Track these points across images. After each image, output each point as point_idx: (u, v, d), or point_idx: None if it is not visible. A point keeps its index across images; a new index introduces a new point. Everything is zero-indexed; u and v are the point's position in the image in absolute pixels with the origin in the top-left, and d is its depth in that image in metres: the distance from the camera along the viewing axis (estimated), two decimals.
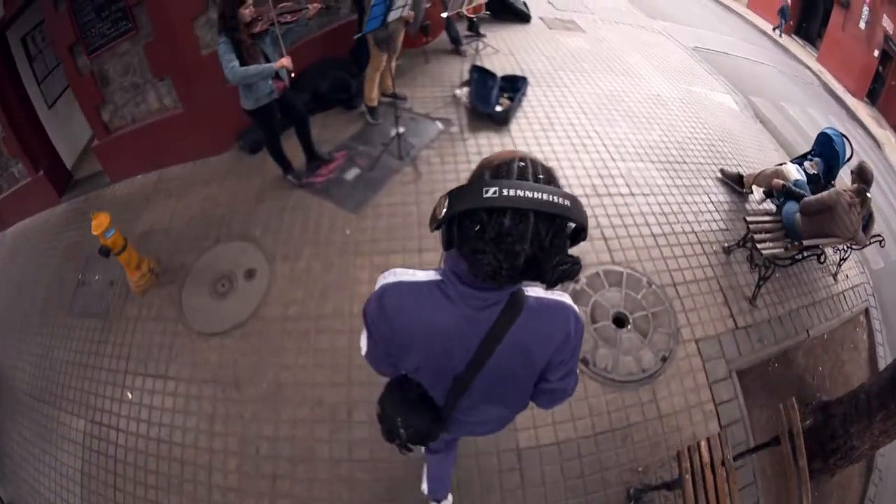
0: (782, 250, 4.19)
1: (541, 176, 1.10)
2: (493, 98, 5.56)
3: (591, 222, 4.15)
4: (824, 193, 4.05)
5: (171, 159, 5.42)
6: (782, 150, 7.06)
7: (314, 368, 3.68)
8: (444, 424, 1.68)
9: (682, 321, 4.04)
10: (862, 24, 13.47)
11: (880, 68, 13.15)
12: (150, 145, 5.41)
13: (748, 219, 4.43)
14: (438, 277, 1.35)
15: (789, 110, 9.12)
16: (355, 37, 4.62)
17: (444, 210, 1.12)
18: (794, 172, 4.75)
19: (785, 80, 10.68)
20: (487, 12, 7.50)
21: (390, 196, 4.70)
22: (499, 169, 1.11)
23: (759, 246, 4.19)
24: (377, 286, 1.43)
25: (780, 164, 5.07)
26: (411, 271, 1.40)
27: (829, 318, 4.60)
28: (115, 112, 5.22)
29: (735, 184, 5.34)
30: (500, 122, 5.41)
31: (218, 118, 5.06)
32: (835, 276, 4.92)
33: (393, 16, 4.30)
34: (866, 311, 5.05)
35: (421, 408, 1.63)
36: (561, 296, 1.41)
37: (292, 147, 4.81)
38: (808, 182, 4.72)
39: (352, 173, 4.96)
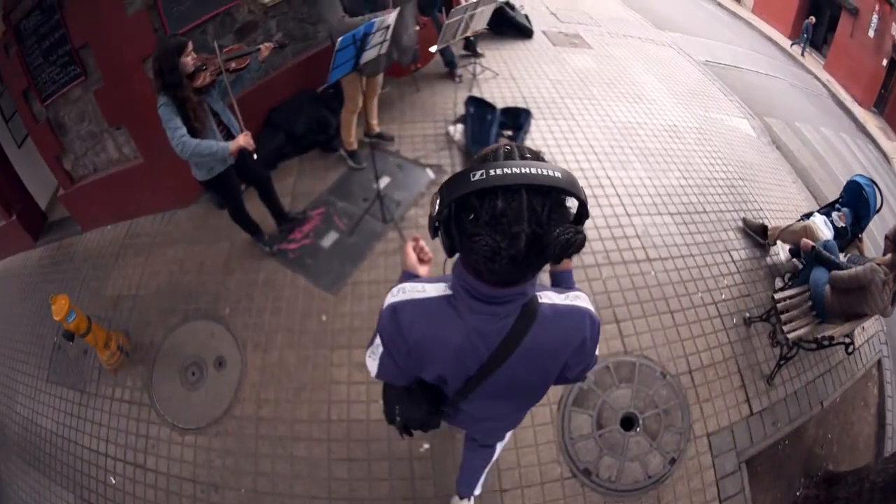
0: (808, 329, 3.65)
1: (528, 155, 1.07)
2: (492, 139, 4.79)
3: (602, 300, 3.89)
4: (859, 270, 3.53)
5: (136, 211, 4.83)
6: (800, 182, 6.38)
7: (292, 479, 3.30)
8: (442, 416, 1.69)
9: (695, 414, 3.57)
10: (871, 33, 12.72)
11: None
12: (114, 196, 4.80)
13: (776, 296, 3.82)
14: (448, 292, 1.31)
15: (804, 131, 8.43)
16: (320, 90, 3.94)
17: (437, 206, 1.09)
18: (823, 228, 4.25)
19: (796, 95, 9.94)
20: (486, 27, 6.70)
21: (372, 271, 4.01)
22: (485, 156, 1.09)
23: (784, 328, 3.62)
24: (385, 303, 1.39)
25: (807, 216, 4.54)
26: (420, 286, 1.36)
27: (844, 382, 4.15)
28: (77, 161, 4.62)
29: (758, 235, 4.71)
30: None
31: (181, 168, 4.19)
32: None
33: (368, 56, 3.53)
34: (879, 363, 4.53)
35: (420, 400, 1.62)
36: (576, 299, 1.37)
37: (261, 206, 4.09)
38: (836, 236, 4.26)
39: (329, 238, 4.24)
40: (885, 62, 12.46)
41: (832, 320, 3.71)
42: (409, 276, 1.61)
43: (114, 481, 3.59)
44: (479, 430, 2.00)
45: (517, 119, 5.07)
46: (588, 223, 3.75)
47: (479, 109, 5.04)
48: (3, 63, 4.34)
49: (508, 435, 2.20)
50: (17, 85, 4.41)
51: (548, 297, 1.32)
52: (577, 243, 1.02)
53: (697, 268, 4.34)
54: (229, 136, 3.36)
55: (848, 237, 4.43)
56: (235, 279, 4.07)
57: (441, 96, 5.36)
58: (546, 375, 1.45)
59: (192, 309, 4.00)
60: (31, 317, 4.68)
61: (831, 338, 3.68)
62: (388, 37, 3.58)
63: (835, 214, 4.48)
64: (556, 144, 5.01)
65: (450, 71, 5.72)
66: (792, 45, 12.93)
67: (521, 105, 5.37)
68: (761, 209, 5.24)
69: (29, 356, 4.45)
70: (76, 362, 4.10)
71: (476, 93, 5.46)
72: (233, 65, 3.27)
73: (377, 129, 4.84)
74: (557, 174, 1.01)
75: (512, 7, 6.75)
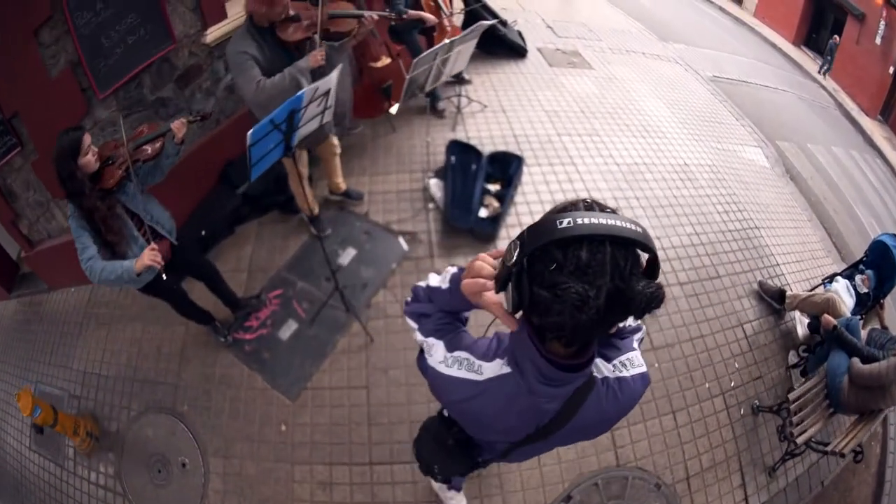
0: (819, 426, 3.30)
1: (608, 209, 0.95)
2: (476, 196, 3.91)
3: None
4: (882, 369, 3.14)
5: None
6: (815, 220, 5.66)
7: None
8: (483, 466, 1.65)
9: None
10: (878, 40, 11.84)
11: None
12: (70, 263, 4.02)
13: (790, 395, 3.30)
14: (507, 369, 1.15)
15: (816, 154, 7.62)
16: (239, 191, 3.22)
17: (517, 253, 0.94)
18: (846, 297, 3.81)
19: (805, 110, 9.09)
20: (486, 25, 5.76)
21: (334, 374, 3.35)
22: (565, 207, 0.96)
23: (795, 430, 3.23)
24: (433, 363, 1.25)
25: (830, 280, 4.08)
26: (476, 363, 1.19)
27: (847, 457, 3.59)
28: (32, 227, 4.13)
29: (775, 301, 4.10)
30: (486, 237, 3.79)
31: None
32: None
33: (304, 132, 2.72)
34: (885, 419, 4.00)
35: (459, 455, 1.56)
36: (626, 366, 1.25)
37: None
38: (857, 303, 3.90)
39: (288, 329, 3.55)
40: (892, 70, 11.61)
41: (846, 412, 3.42)
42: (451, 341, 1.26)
43: None
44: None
45: (507, 168, 4.20)
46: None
47: (462, 157, 4.18)
48: None
49: None
50: None
51: (598, 370, 1.21)
52: (660, 297, 0.92)
53: (707, 352, 3.75)
54: (155, 235, 2.74)
55: (869, 303, 4.00)
56: (192, 371, 3.54)
57: (420, 137, 4.46)
58: (591, 437, 1.38)
59: (152, 399, 3.52)
60: (11, 375, 4.23)
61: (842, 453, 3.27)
62: (331, 102, 2.75)
63: (858, 278, 4.02)
64: (549, 198, 4.15)
65: (431, 104, 4.84)
66: (819, 71, 11.90)
67: (512, 146, 4.52)
68: (777, 264, 4.57)
69: (9, 417, 4.00)
70: (54, 436, 3.63)
71: (461, 130, 4.60)
72: (147, 150, 2.60)
73: (343, 188, 3.99)
74: (639, 228, 0.91)
75: (504, 23, 5.82)
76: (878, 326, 3.97)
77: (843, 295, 3.85)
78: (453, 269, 1.23)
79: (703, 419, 3.45)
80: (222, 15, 3.78)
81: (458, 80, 5.14)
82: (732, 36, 10.76)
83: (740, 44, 10.54)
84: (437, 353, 1.24)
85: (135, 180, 2.54)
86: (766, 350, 3.92)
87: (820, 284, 4.22)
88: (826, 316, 3.54)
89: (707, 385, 3.59)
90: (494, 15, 5.75)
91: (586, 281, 0.88)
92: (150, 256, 2.38)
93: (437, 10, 4.69)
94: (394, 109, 3.84)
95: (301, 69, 2.82)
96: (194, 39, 3.69)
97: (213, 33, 3.75)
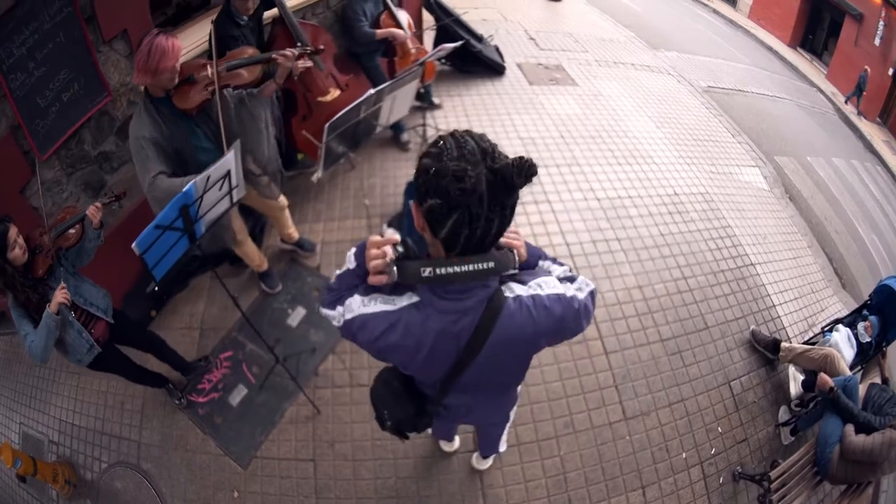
0: (803, 498, 2.95)
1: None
2: None
3: (556, 485, 2.84)
4: (875, 445, 2.82)
5: None
6: (816, 245, 5.04)
7: None
8: (430, 418, 1.59)
9: None
10: (877, 41, 10.96)
11: None
12: None
13: (773, 473, 2.91)
14: (416, 298, 1.20)
15: (816, 167, 6.89)
16: (149, 289, 3.02)
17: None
18: (847, 350, 3.38)
19: (804, 118, 8.30)
20: (447, 64, 5.09)
21: (282, 445, 2.99)
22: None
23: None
24: (350, 314, 1.26)
25: (830, 328, 3.57)
26: (390, 297, 1.22)
27: None
28: None
29: (768, 351, 3.54)
30: None
31: None
32: None
33: (213, 215, 2.25)
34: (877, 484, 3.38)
35: (405, 401, 1.56)
36: (542, 286, 1.23)
37: None
38: (858, 352, 3.47)
39: (238, 394, 3.23)
40: (891, 72, 10.75)
41: (833, 483, 3.09)
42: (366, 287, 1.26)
43: None
44: (476, 419, 1.92)
45: None
46: (551, 372, 3.12)
47: None
48: None
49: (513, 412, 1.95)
50: None
51: (510, 290, 1.21)
52: (529, 163, 1.06)
53: (687, 417, 3.17)
54: (91, 319, 2.55)
55: (871, 352, 3.55)
56: (153, 430, 3.27)
57: (382, 175, 3.81)
58: (521, 360, 1.42)
59: (118, 453, 3.26)
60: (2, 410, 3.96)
61: None
62: (237, 181, 2.23)
63: (861, 326, 3.55)
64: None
65: (395, 136, 4.18)
66: (846, 101, 10.91)
67: None
68: (774, 305, 3.96)
69: None
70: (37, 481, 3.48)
71: None
72: (69, 237, 2.41)
73: (296, 237, 3.43)
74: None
75: (479, 39, 5.13)
76: (878, 379, 3.47)
77: (844, 347, 3.40)
78: (353, 250, 1.32)
79: (675, 492, 2.94)
80: None
81: (428, 104, 4.48)
82: (727, 40, 9.92)
83: (735, 48, 9.71)
84: (355, 302, 1.25)
85: (64, 265, 2.42)
86: (755, 408, 3.37)
87: (819, 333, 3.66)
88: (823, 375, 3.08)
89: (684, 455, 3.05)
90: (469, 30, 5.04)
91: (463, 162, 1.01)
92: (60, 296, 2.24)
93: (397, 28, 4.03)
94: (315, 178, 3.20)
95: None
96: (132, 87, 3.14)
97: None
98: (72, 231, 2.38)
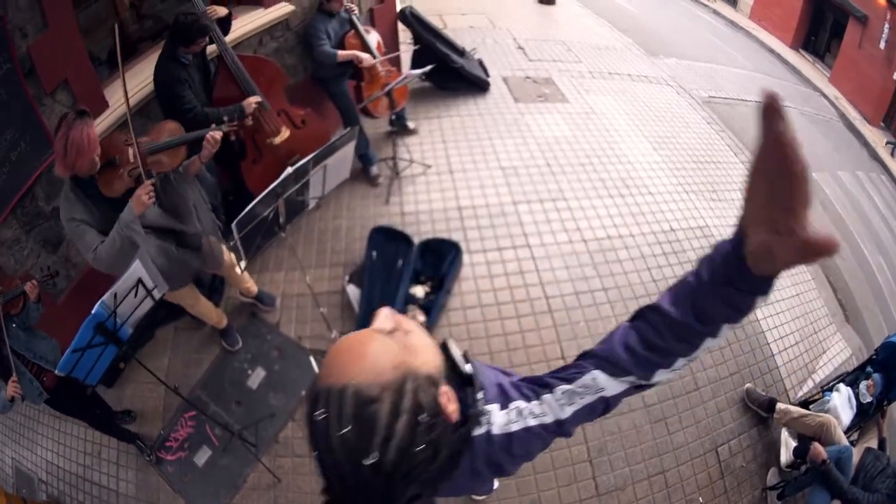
0: None
1: None
2: (398, 307, 2.75)
3: None
4: None
5: None
6: (821, 276, 4.46)
7: None
8: None
9: None
10: (881, 44, 10.12)
11: None
12: None
13: None
14: None
15: (821, 184, 6.26)
16: (88, 393, 2.67)
17: None
18: (846, 413, 3.07)
19: (808, 127, 7.59)
20: (426, 80, 4.43)
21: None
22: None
23: None
24: None
25: (830, 388, 3.19)
26: None
27: None
28: None
29: (762, 410, 3.11)
30: None
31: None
32: None
33: (139, 315, 2.12)
34: None
35: None
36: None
37: None
38: (857, 413, 3.16)
39: (202, 455, 2.97)
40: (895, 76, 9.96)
41: None
42: None
43: None
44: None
45: (440, 263, 2.96)
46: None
47: (386, 250, 2.96)
48: None
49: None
50: None
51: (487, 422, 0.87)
52: None
53: (666, 490, 2.71)
54: (41, 371, 2.49)
55: (871, 412, 3.22)
56: (128, 482, 2.98)
57: (348, 217, 3.26)
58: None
59: (100, 500, 2.99)
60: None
61: None
62: (154, 281, 2.05)
63: (863, 385, 3.21)
64: (492, 300, 2.94)
65: (363, 167, 3.59)
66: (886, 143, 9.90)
67: (455, 222, 3.28)
68: (773, 354, 3.45)
69: None
70: None
71: (395, 203, 3.37)
72: (14, 305, 2.37)
73: (254, 291, 3.03)
74: None
75: (462, 53, 4.48)
76: (875, 440, 3.12)
77: (843, 410, 3.09)
78: None
79: None
80: (103, 105, 2.86)
81: (402, 129, 3.88)
82: (727, 42, 9.12)
83: (736, 51, 8.92)
84: None
85: (17, 322, 2.36)
86: (742, 473, 2.92)
87: (819, 393, 3.24)
88: (816, 445, 2.75)
89: None
90: (450, 44, 4.40)
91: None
92: (11, 390, 2.20)
93: (365, 52, 3.44)
94: (238, 269, 2.71)
95: (128, 223, 2.02)
96: None
97: (98, 126, 2.71)
98: (14, 302, 2.33)
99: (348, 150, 2.47)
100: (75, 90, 2.72)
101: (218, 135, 2.16)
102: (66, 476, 3.16)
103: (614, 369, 0.83)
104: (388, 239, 3.07)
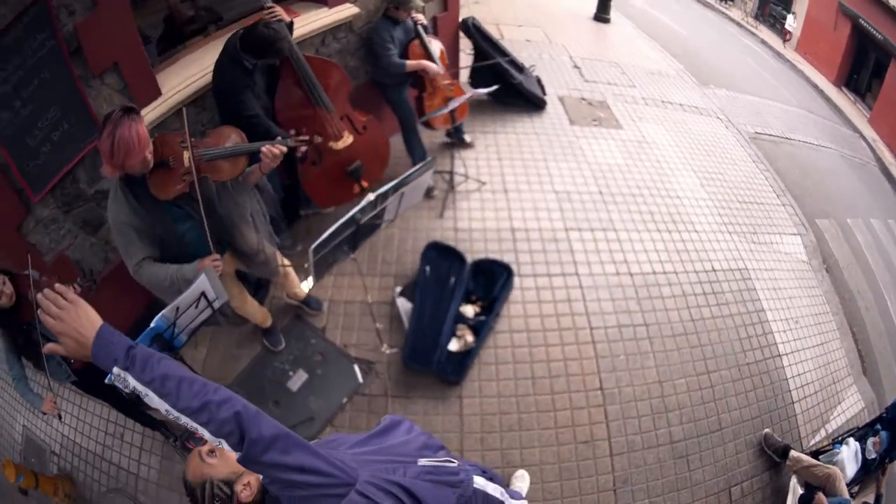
0: None
1: None
2: (448, 324, 2.67)
3: None
4: None
5: None
6: (846, 325, 4.28)
7: None
8: None
9: None
10: None
11: None
12: None
13: None
14: None
15: (854, 231, 6.03)
16: (106, 379, 2.18)
17: None
18: (851, 467, 3.01)
19: (847, 172, 7.28)
20: (484, 93, 4.32)
21: None
22: None
23: None
24: None
25: (840, 443, 3.10)
26: None
27: None
28: None
29: (776, 456, 3.07)
30: (449, 379, 2.63)
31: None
32: None
33: (194, 327, 1.93)
34: None
35: None
36: None
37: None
38: (861, 468, 3.09)
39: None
40: None
41: None
42: None
43: None
44: None
45: (492, 285, 2.91)
46: (551, 472, 2.75)
47: (440, 266, 2.91)
48: None
49: None
50: None
51: None
52: None
53: None
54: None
55: (873, 468, 3.14)
56: (150, 467, 2.90)
57: (401, 227, 3.17)
58: None
59: (118, 480, 2.92)
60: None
61: None
62: (217, 293, 1.85)
63: (870, 441, 3.13)
64: (539, 325, 2.89)
65: None
66: None
67: (507, 244, 3.21)
68: (793, 401, 3.37)
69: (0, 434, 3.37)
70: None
71: (449, 217, 3.30)
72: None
73: (302, 296, 2.92)
74: None
75: (521, 69, 4.35)
76: (872, 496, 3.13)
77: (849, 464, 3.06)
78: None
79: None
80: (155, 93, 2.66)
81: (459, 141, 3.79)
82: (774, 75, 8.77)
83: (782, 84, 8.59)
84: None
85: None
86: None
87: (829, 445, 3.19)
88: (820, 495, 2.78)
89: None
90: (510, 59, 4.27)
91: None
92: (48, 407, 2.24)
93: (428, 60, 3.33)
94: (306, 286, 2.62)
95: (188, 279, 1.86)
96: None
97: (148, 115, 2.59)
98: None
99: (426, 178, 2.40)
100: (126, 75, 2.54)
101: (279, 150, 1.99)
102: (82, 452, 3.07)
103: None
104: (441, 255, 3.01)
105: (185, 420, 0.98)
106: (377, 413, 2.64)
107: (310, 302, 2.97)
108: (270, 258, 2.35)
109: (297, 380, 2.86)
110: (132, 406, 2.66)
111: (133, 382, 0.97)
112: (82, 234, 2.75)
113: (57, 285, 1.07)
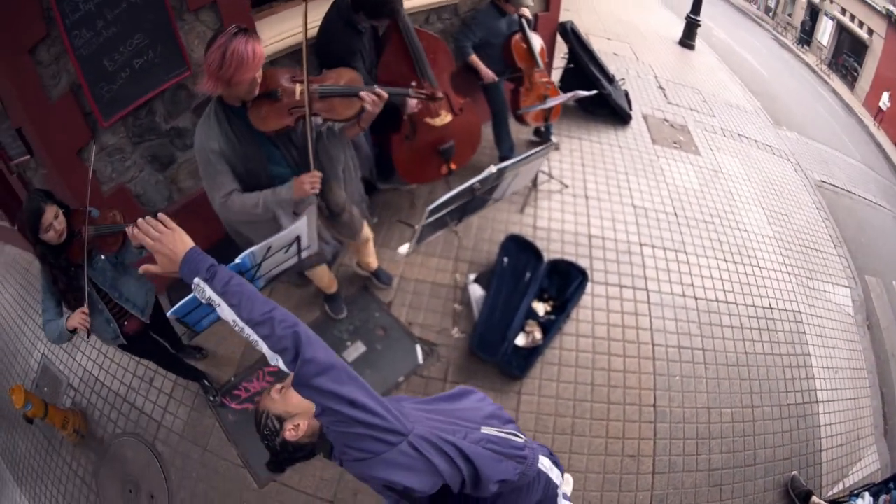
0: None
1: None
2: (519, 318, 2.60)
3: None
4: None
5: None
6: (877, 385, 4.01)
7: None
8: None
9: None
10: None
11: None
12: None
13: None
14: None
15: None
16: (185, 340, 2.39)
17: None
18: None
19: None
20: (582, 95, 4.17)
21: (305, 476, 2.42)
22: None
23: None
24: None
25: (857, 496, 2.96)
26: None
27: None
28: None
29: (799, 500, 2.90)
30: (512, 373, 2.53)
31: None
32: None
33: (276, 273, 1.75)
34: None
35: None
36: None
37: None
38: None
39: None
40: None
41: None
42: None
43: None
44: None
45: (566, 286, 2.82)
46: (594, 481, 2.59)
47: (517, 259, 2.82)
48: None
49: None
50: None
51: None
52: None
53: None
54: (123, 313, 2.05)
55: None
56: (177, 417, 2.71)
57: (481, 216, 3.06)
58: None
59: (136, 426, 2.75)
60: (28, 330, 3.43)
61: None
62: (310, 241, 1.67)
63: (882, 498, 3.00)
64: (604, 334, 2.80)
65: None
66: None
67: (583, 250, 3.10)
68: (821, 449, 3.20)
69: (16, 358, 3.29)
70: None
71: (529, 214, 3.22)
72: (109, 244, 1.88)
73: (374, 267, 2.76)
74: None
75: (611, 80, 4.17)
76: None
77: None
78: None
79: None
80: None
81: (544, 140, 3.68)
82: (842, 126, 8.30)
83: (848, 137, 8.13)
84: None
85: (106, 255, 1.92)
86: None
87: (846, 497, 3.05)
88: None
89: None
90: (602, 68, 4.10)
91: None
92: (78, 320, 1.78)
93: (529, 58, 3.20)
94: (403, 250, 2.48)
95: (282, 202, 1.66)
96: None
97: None
98: (111, 239, 1.87)
99: (539, 164, 2.31)
100: (223, 14, 2.34)
101: (384, 97, 1.74)
102: (103, 391, 2.90)
103: None
104: (520, 249, 2.94)
105: (248, 332, 1.01)
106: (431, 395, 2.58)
107: (380, 274, 2.82)
108: (355, 219, 2.18)
109: (354, 351, 2.70)
110: (177, 361, 2.55)
111: (209, 292, 1.03)
112: (149, 168, 2.56)
113: (160, 214, 1.13)
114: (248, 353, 2.73)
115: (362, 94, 1.71)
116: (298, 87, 1.67)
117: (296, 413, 1.11)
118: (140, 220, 1.11)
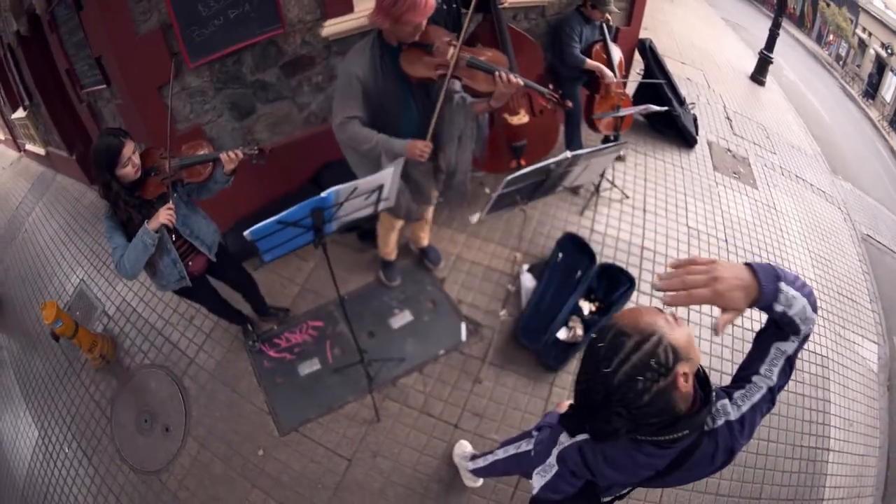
0: None
1: None
2: (565, 312, 2.49)
3: None
4: None
5: None
6: (885, 447, 3.74)
7: None
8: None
9: None
10: None
11: None
12: None
13: None
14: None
15: None
16: (255, 268, 2.36)
17: None
18: None
19: None
20: (641, 114, 3.95)
21: (328, 431, 2.38)
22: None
23: None
24: (565, 442, 1.04)
25: None
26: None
27: None
28: None
29: None
30: (549, 364, 2.44)
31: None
32: None
33: (349, 220, 1.71)
34: None
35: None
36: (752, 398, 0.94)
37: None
38: None
39: (309, 367, 2.50)
40: None
41: None
42: None
43: (67, 451, 2.66)
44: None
45: (613, 290, 2.70)
46: None
47: (571, 257, 2.72)
48: (50, 39, 2.93)
49: None
50: (62, 63, 3.03)
51: (722, 414, 0.93)
52: None
53: None
54: (192, 251, 1.96)
55: None
56: (210, 356, 2.64)
57: (542, 210, 2.95)
58: (710, 473, 1.01)
59: (166, 359, 2.70)
60: (67, 257, 3.40)
61: None
62: (389, 193, 1.63)
63: None
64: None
65: None
66: None
67: (634, 260, 2.95)
68: (821, 498, 2.98)
69: (52, 280, 3.26)
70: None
71: (588, 217, 3.08)
72: (197, 173, 1.80)
73: (424, 244, 2.68)
74: None
75: (682, 102, 3.92)
76: None
77: None
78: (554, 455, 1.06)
79: None
80: (347, 7, 2.42)
81: (614, 143, 3.52)
82: (893, 185, 7.72)
83: None
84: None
85: (179, 192, 1.83)
86: None
87: None
88: None
89: None
90: (675, 90, 3.86)
91: None
92: (164, 215, 1.68)
93: (608, 67, 3.03)
94: (474, 218, 2.40)
95: (393, 151, 1.65)
96: (310, 27, 2.39)
97: (333, 27, 2.39)
98: (200, 167, 1.78)
99: (608, 160, 2.19)
100: None
101: (518, 83, 1.67)
102: (139, 322, 2.82)
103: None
104: (576, 247, 2.82)
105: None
106: (469, 374, 2.47)
107: (429, 254, 2.72)
108: (462, 183, 2.09)
109: (401, 319, 2.64)
110: (226, 305, 2.45)
111: (791, 291, 0.86)
112: (228, 115, 2.49)
113: (695, 257, 0.90)
114: (296, 303, 2.70)
115: (501, 73, 1.66)
116: (451, 51, 1.66)
117: (693, 357, 0.83)
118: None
